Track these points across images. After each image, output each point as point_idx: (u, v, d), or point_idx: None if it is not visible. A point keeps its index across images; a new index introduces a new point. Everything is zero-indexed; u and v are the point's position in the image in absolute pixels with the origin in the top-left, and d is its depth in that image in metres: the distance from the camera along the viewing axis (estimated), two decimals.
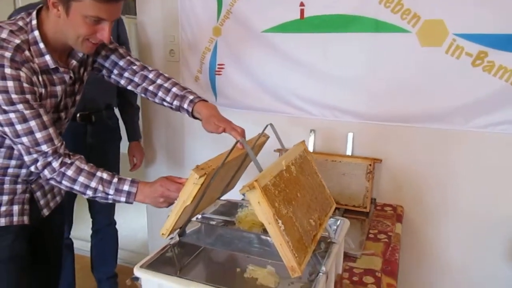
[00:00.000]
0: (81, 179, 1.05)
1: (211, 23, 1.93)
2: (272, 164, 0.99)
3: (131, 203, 1.09)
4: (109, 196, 1.07)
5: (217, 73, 1.97)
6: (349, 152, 1.80)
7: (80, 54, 1.16)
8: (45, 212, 1.26)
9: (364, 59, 1.69)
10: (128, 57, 1.28)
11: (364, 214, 1.64)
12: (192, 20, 1.97)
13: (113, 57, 1.26)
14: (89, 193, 1.07)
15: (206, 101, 1.25)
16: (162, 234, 0.95)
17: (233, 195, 1.37)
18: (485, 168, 1.62)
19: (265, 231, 1.17)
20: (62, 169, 1.06)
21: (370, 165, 1.68)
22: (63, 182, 1.06)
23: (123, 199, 1.07)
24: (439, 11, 1.54)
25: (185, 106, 1.22)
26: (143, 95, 1.29)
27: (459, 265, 1.73)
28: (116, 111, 2.06)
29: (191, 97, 1.23)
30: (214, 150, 2.06)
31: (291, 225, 0.85)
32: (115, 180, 1.07)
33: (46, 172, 1.06)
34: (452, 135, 1.64)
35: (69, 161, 1.07)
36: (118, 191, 1.06)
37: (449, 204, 1.70)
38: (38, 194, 1.23)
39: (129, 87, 1.29)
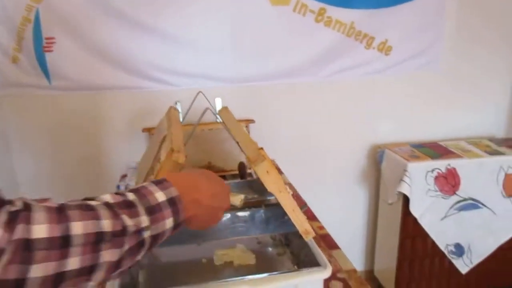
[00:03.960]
0: (75, 226, 0.43)
1: None
2: (238, 133, 0.91)
3: (181, 224, 0.55)
4: (144, 233, 0.49)
5: (45, 49, 1.56)
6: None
7: None
8: None
9: (220, 22, 1.66)
10: None
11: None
12: None
13: None
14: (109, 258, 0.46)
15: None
16: None
17: None
18: (337, 109, 1.89)
19: None
20: (20, 224, 0.41)
21: (246, 126, 1.71)
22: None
23: (169, 222, 0.52)
24: None
25: None
26: None
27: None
28: None
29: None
30: (50, 154, 1.69)
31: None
32: (134, 195, 0.51)
33: None
34: (306, 87, 1.83)
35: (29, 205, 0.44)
36: (152, 210, 0.50)
37: (316, 149, 1.92)
38: None
39: None
